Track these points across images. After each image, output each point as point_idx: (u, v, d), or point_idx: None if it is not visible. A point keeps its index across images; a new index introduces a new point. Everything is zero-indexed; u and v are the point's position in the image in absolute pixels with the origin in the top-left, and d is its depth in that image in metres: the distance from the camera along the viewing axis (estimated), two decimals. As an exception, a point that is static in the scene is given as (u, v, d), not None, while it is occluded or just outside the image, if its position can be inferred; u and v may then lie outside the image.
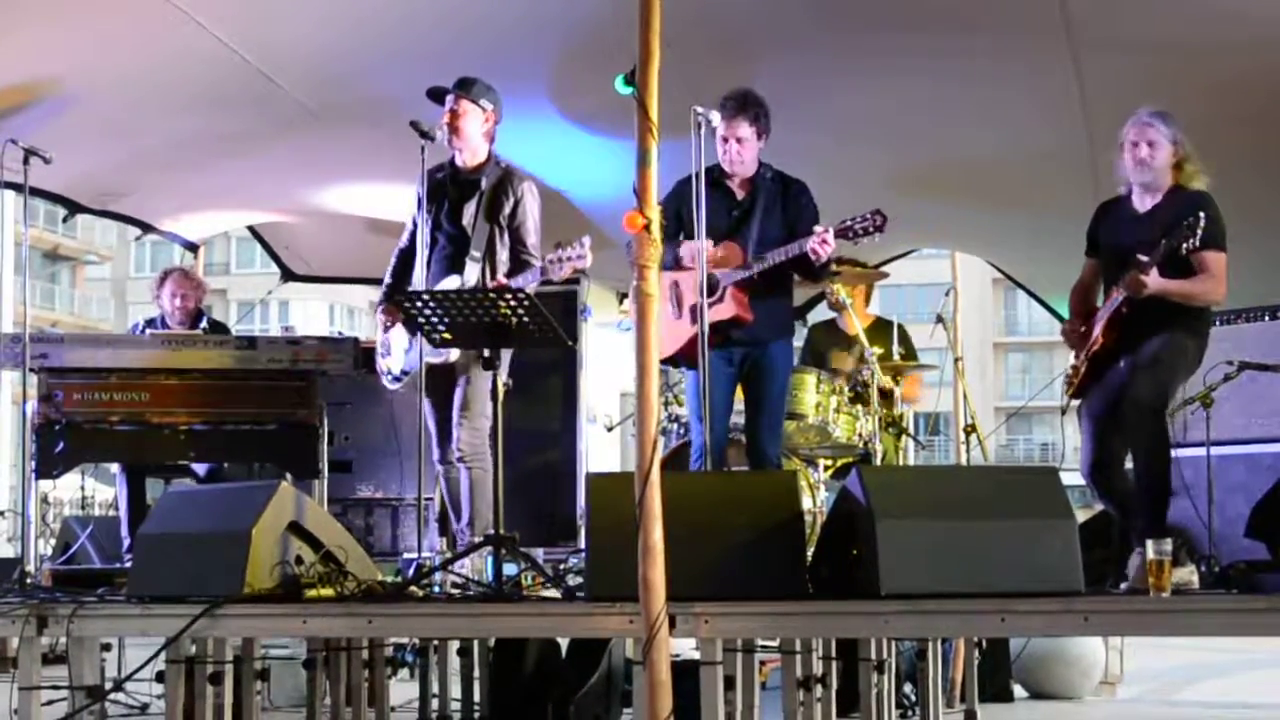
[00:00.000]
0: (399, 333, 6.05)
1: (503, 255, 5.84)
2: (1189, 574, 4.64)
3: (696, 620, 4.10)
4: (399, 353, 6.06)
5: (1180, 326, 5.01)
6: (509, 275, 5.78)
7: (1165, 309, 4.97)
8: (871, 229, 5.57)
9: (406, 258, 6.08)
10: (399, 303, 5.59)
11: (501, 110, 5.93)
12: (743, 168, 5.80)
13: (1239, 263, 5.14)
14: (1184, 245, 4.81)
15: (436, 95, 5.84)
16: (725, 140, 5.69)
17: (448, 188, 5.95)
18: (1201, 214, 4.79)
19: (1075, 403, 5.32)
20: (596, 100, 6.23)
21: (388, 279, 6.18)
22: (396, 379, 6.09)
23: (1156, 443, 4.94)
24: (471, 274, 5.81)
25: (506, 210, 5.87)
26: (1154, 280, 4.90)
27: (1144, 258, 4.88)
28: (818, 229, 5.56)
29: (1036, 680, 7.42)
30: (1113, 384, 5.07)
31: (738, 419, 6.19)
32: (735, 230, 5.78)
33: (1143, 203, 5.16)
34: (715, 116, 5.45)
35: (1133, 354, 5.01)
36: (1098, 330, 5.14)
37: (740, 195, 5.84)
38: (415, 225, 6.03)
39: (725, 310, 5.64)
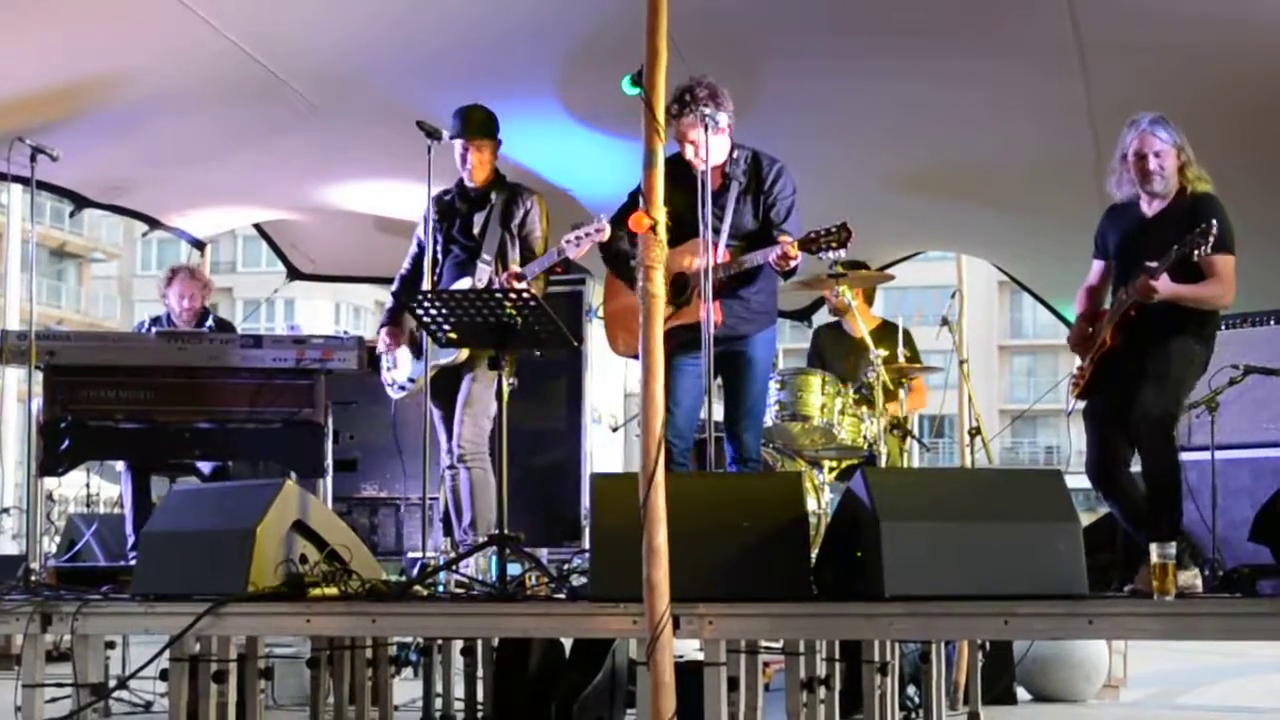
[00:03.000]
0: (403, 349, 6.10)
1: (514, 260, 5.91)
2: (1192, 578, 4.63)
3: (700, 621, 4.10)
4: (405, 364, 6.08)
5: (1188, 332, 5.01)
6: (522, 265, 5.84)
7: (1173, 313, 4.97)
8: (836, 244, 5.40)
9: (410, 282, 6.11)
10: (406, 304, 5.61)
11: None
12: (709, 162, 5.48)
13: (1243, 267, 5.13)
14: (1196, 252, 4.79)
15: (452, 137, 5.94)
16: (680, 143, 5.42)
17: (457, 205, 6.03)
18: (1214, 219, 4.77)
19: (1080, 405, 5.30)
20: (602, 99, 6.24)
21: (391, 302, 6.22)
22: (402, 388, 6.11)
23: (1167, 457, 4.93)
24: (483, 275, 5.86)
25: (517, 219, 6.00)
26: (1164, 285, 4.88)
27: (1153, 264, 4.88)
28: (783, 239, 5.39)
29: (1040, 683, 7.41)
30: (1119, 388, 5.06)
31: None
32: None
33: (1151, 206, 5.15)
34: (722, 118, 5.43)
35: (1140, 359, 4.99)
36: (1105, 333, 5.13)
37: (712, 185, 5.53)
38: (420, 249, 6.08)
39: (692, 313, 5.39)
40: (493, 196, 6.04)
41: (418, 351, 6.01)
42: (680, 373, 5.52)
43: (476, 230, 6.00)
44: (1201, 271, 4.94)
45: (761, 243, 5.54)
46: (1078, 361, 5.35)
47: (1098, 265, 5.41)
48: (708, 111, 5.29)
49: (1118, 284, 5.22)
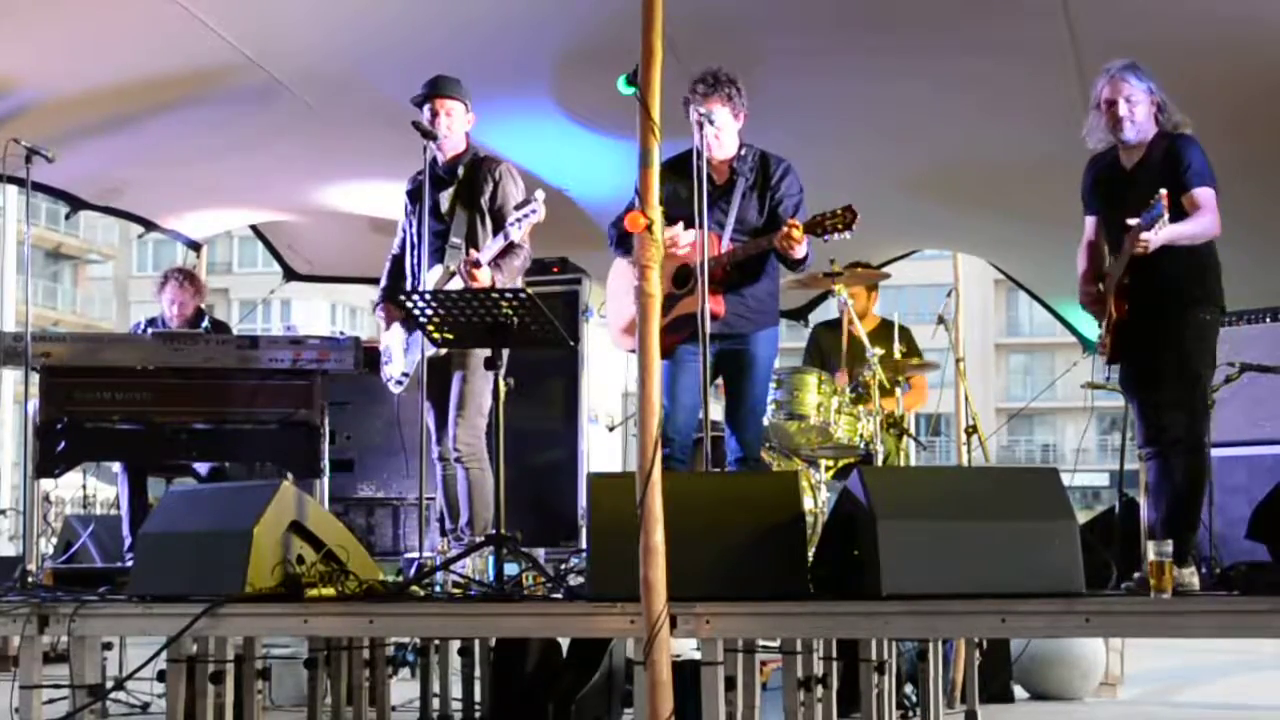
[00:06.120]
0: (397, 338, 6.08)
1: (487, 240, 5.85)
2: (1189, 575, 4.64)
3: (697, 620, 4.10)
4: (399, 357, 6.08)
5: (1192, 299, 4.89)
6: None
7: (1169, 273, 4.84)
8: (842, 226, 5.41)
9: (399, 265, 6.11)
10: (399, 302, 5.61)
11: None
12: (721, 150, 5.61)
13: (1238, 264, 5.10)
14: (1156, 228, 4.70)
15: (419, 103, 5.90)
16: (700, 124, 5.36)
17: (429, 186, 5.97)
18: (1159, 200, 4.63)
19: (1113, 371, 5.20)
20: (598, 98, 6.23)
21: (384, 281, 6.21)
22: (399, 382, 6.11)
23: (1190, 472, 4.86)
24: (453, 262, 5.83)
25: (486, 195, 5.93)
26: (1154, 236, 4.71)
27: (1133, 221, 4.74)
28: (787, 224, 5.42)
29: (1037, 681, 7.41)
30: (1142, 359, 4.97)
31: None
32: (710, 216, 5.42)
33: (1129, 157, 5.05)
34: (718, 115, 5.44)
35: (1154, 339, 4.88)
36: (1111, 304, 5.04)
37: (718, 179, 5.65)
38: (404, 233, 6.08)
39: (694, 303, 5.26)
40: (459, 173, 5.98)
41: (412, 329, 5.97)
42: (683, 368, 5.53)
43: (445, 210, 5.96)
44: (1185, 211, 4.82)
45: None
46: (1098, 327, 5.22)
47: (1090, 221, 5.29)
48: (702, 111, 5.31)
49: (1112, 245, 5.13)
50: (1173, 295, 4.90)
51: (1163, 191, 4.67)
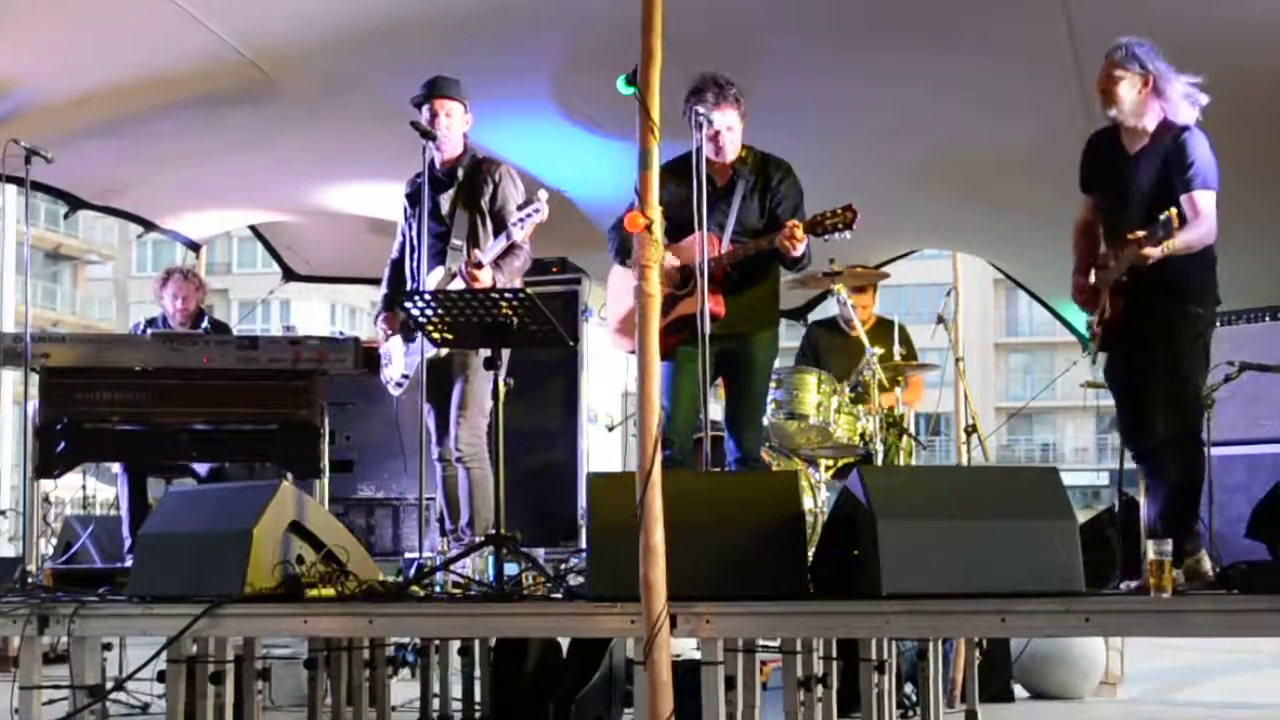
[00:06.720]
0: (397, 343, 6.09)
1: (488, 242, 5.84)
2: (1196, 561, 4.64)
3: (698, 620, 4.10)
4: (399, 360, 6.08)
5: (1186, 297, 4.85)
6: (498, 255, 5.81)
7: (1165, 276, 4.78)
8: (842, 225, 5.42)
9: (399, 271, 6.11)
10: (399, 303, 5.60)
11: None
12: (727, 153, 5.62)
13: (1238, 264, 5.09)
14: (1165, 245, 4.67)
15: (418, 103, 5.90)
16: (704, 127, 5.32)
17: (429, 188, 5.97)
18: (1169, 219, 4.57)
19: (1102, 358, 5.17)
20: (598, 100, 6.24)
21: (384, 289, 6.21)
22: (399, 384, 6.11)
23: (1186, 466, 4.85)
24: (454, 264, 5.84)
25: (486, 196, 5.93)
26: (1155, 251, 4.66)
27: (1140, 233, 4.68)
28: (788, 223, 5.42)
29: (1037, 680, 7.42)
30: (1134, 355, 4.94)
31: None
32: (711, 217, 5.37)
33: (1131, 140, 4.99)
34: (718, 117, 5.44)
35: (1147, 340, 4.85)
36: (1105, 300, 4.99)
37: (719, 181, 5.65)
38: (404, 236, 6.09)
39: (694, 303, 5.18)
40: (459, 174, 5.98)
41: (413, 338, 5.98)
42: (683, 368, 5.52)
43: (445, 211, 5.97)
44: (1184, 213, 4.74)
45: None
46: (1089, 317, 5.17)
47: (1087, 201, 5.22)
48: (701, 111, 5.31)
49: (1109, 229, 5.07)
50: (1168, 291, 4.84)
51: (1173, 211, 4.60)
